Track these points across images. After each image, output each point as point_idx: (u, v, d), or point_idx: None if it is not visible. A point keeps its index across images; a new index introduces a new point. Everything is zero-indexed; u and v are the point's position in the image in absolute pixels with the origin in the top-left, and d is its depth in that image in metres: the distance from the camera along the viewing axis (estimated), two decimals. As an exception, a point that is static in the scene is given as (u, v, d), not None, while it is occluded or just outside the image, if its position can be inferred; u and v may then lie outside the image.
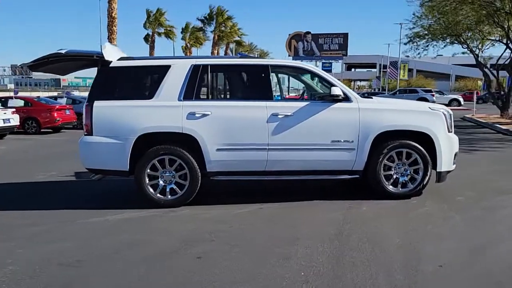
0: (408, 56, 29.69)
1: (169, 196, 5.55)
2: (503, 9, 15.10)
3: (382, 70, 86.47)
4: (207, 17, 32.97)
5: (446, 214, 5.13)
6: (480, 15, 16.81)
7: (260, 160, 5.58)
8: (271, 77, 5.69)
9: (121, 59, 5.72)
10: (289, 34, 74.86)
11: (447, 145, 5.74)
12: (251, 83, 5.72)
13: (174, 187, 5.56)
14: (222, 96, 5.74)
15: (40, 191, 6.74)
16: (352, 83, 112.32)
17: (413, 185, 5.74)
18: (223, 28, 32.80)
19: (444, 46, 22.51)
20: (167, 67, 5.61)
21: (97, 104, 5.45)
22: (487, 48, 22.37)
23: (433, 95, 35.49)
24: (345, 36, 42.09)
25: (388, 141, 5.64)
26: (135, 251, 4.07)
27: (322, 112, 5.58)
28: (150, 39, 33.53)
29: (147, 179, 5.49)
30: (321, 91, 6.40)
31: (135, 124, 5.42)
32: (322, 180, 6.19)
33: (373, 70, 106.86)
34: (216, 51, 35.56)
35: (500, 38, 20.51)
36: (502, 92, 21.86)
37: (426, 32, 20.74)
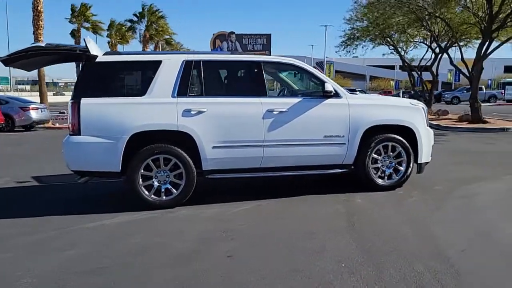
0: (329, 59, 31.17)
1: (164, 197, 5.34)
2: (434, 14, 16.36)
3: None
4: (139, 14, 31.89)
5: (435, 202, 5.45)
6: (410, 19, 18.05)
7: (256, 157, 5.56)
8: (263, 73, 5.69)
9: (106, 53, 5.41)
10: (213, 34, 74.62)
11: (426, 138, 6.13)
12: (245, 79, 5.68)
13: (169, 187, 5.36)
14: (216, 92, 5.61)
15: (12, 198, 6.18)
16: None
17: (398, 177, 6.05)
18: (155, 27, 31.92)
19: (373, 47, 23.88)
20: (158, 63, 5.40)
21: (84, 101, 5.10)
22: (411, 50, 24.12)
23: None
24: (268, 36, 42.86)
25: (375, 135, 5.89)
26: (155, 255, 3.88)
27: (315, 108, 5.70)
28: (76, 34, 31.72)
29: (140, 180, 5.24)
30: (297, 88, 6.51)
31: (127, 123, 5.15)
32: (307, 175, 6.31)
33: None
34: (146, 49, 34.60)
35: (424, 40, 22.18)
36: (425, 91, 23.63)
37: (359, 34, 21.82)
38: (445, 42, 20.27)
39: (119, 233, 4.51)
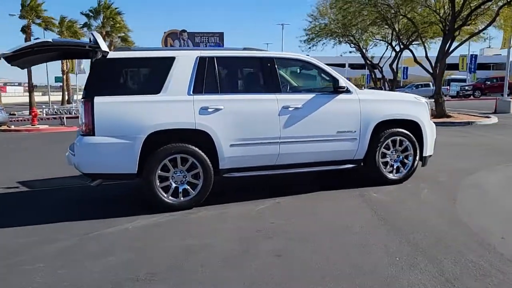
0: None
1: (182, 198, 5.17)
2: (399, 12, 16.93)
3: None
4: (94, 11, 30.67)
5: (449, 194, 5.60)
6: (376, 17, 18.57)
7: (272, 154, 5.50)
8: (277, 69, 5.63)
9: (117, 49, 5.16)
10: (165, 32, 73.36)
11: (430, 132, 6.30)
12: (260, 75, 5.58)
13: (187, 187, 5.19)
14: (232, 89, 5.48)
15: (10, 204, 5.77)
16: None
17: (405, 170, 6.18)
18: (111, 23, 30.85)
19: (334, 44, 24.38)
20: (172, 59, 5.21)
21: (98, 100, 4.83)
22: (371, 48, 24.84)
23: None
24: (220, 35, 42.56)
25: (384, 130, 5.98)
26: (203, 256, 3.74)
27: (328, 104, 5.71)
28: (26, 31, 30.06)
29: (157, 181, 5.04)
30: (296, 84, 6.50)
31: (144, 122, 4.93)
32: (313, 171, 6.29)
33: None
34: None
35: (386, 39, 22.89)
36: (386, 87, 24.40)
37: (322, 32, 22.19)
38: (405, 41, 20.98)
39: (149, 237, 4.31)
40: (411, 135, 6.12)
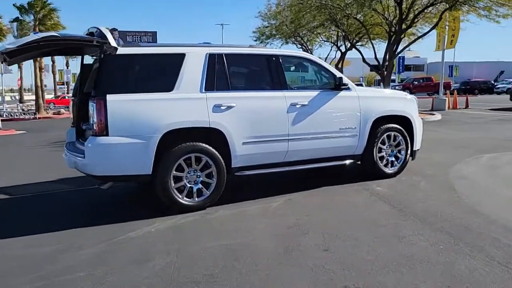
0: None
1: (197, 198, 5.05)
2: (351, 14, 17.58)
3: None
4: (27, 6, 28.53)
5: (445, 185, 5.93)
6: (325, 19, 19.12)
7: (281, 151, 5.53)
8: (282, 66, 5.66)
9: (125, 45, 4.92)
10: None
11: (419, 127, 6.65)
12: (267, 72, 5.56)
13: (201, 187, 5.07)
14: (242, 86, 5.41)
15: (6, 211, 5.30)
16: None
17: (399, 164, 6.47)
18: (46, 20, 28.92)
19: (281, 45, 24.82)
20: (182, 56, 5.07)
21: (111, 98, 4.59)
22: (316, 49, 25.55)
23: None
24: (153, 34, 41.67)
25: (380, 126, 6.22)
26: (249, 256, 3.67)
27: (331, 100, 5.83)
28: None
29: (172, 182, 4.88)
30: (300, 82, 6.56)
31: (159, 120, 4.76)
32: (313, 168, 6.38)
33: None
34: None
35: (330, 39, 23.66)
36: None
37: (274, 32, 22.50)
38: (352, 41, 21.80)
39: (180, 238, 4.15)
40: (404, 130, 6.41)
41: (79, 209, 5.43)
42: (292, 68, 6.45)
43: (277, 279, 3.24)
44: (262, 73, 5.58)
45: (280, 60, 5.64)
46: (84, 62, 6.00)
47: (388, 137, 6.33)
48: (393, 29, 17.01)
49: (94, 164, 4.67)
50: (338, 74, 5.98)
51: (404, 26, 16.27)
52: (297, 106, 5.55)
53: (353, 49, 21.30)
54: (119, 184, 5.84)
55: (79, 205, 5.58)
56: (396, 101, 6.52)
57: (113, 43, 4.67)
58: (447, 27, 19.63)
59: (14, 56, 4.71)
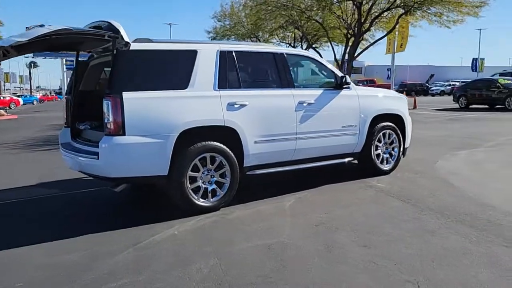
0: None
1: (211, 199, 4.92)
2: (311, 16, 17.91)
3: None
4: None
5: (437, 179, 6.18)
6: (285, 21, 19.36)
7: (290, 149, 5.52)
8: (289, 65, 5.66)
9: (137, 40, 4.70)
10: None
11: (410, 125, 6.90)
12: (276, 70, 5.52)
13: (215, 187, 4.95)
14: (252, 84, 5.31)
15: (13, 216, 4.86)
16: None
17: (393, 161, 6.67)
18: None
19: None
20: (194, 52, 4.93)
21: (127, 96, 4.36)
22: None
23: None
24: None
25: (377, 124, 6.38)
26: (293, 256, 3.64)
27: (334, 99, 5.91)
28: None
29: (188, 183, 4.72)
30: (304, 80, 6.55)
31: (175, 119, 4.59)
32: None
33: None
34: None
35: (284, 40, 23.98)
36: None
37: (228, 32, 22.43)
38: (307, 43, 22.25)
39: (210, 240, 4.02)
40: (397, 128, 6.62)
41: (88, 213, 5.10)
42: (296, 66, 6.45)
43: (333, 276, 3.22)
44: (271, 71, 5.54)
45: (286, 58, 5.64)
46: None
47: (384, 135, 6.50)
48: (351, 31, 17.53)
49: (110, 166, 4.41)
50: (339, 73, 6.07)
51: (362, 29, 16.83)
52: (304, 104, 5.57)
53: (310, 50, 21.72)
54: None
55: (86, 209, 5.25)
56: (391, 99, 6.72)
57: (126, 38, 4.45)
58: (397, 32, 20.54)
59: (21, 50, 4.36)
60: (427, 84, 54.13)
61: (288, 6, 16.95)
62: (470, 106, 22.38)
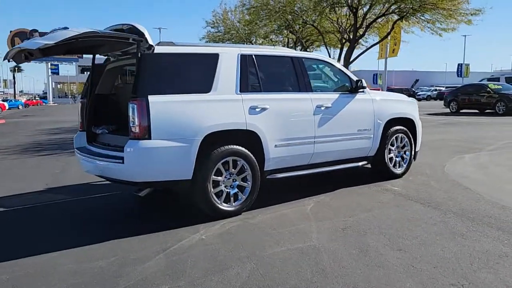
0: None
1: (234, 203, 4.87)
2: (308, 21, 18.01)
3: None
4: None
5: (450, 183, 6.21)
6: (280, 25, 19.43)
7: (308, 153, 5.51)
8: (306, 68, 5.66)
9: (160, 44, 4.65)
10: (11, 31, 65.86)
11: (420, 129, 6.95)
12: (294, 74, 5.50)
13: (237, 191, 4.91)
14: (272, 88, 5.27)
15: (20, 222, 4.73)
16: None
17: (405, 165, 6.70)
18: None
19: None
20: (216, 56, 4.89)
21: (153, 99, 4.30)
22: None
23: None
24: None
25: (390, 127, 6.40)
26: (330, 261, 3.61)
27: (350, 103, 5.92)
28: None
29: (211, 187, 4.67)
30: (321, 84, 6.54)
31: (200, 123, 4.54)
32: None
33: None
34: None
35: (281, 44, 24.04)
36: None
37: (222, 38, 22.43)
38: (302, 47, 22.33)
39: (239, 244, 3.97)
40: (408, 132, 6.66)
41: (107, 218, 5.00)
42: (313, 70, 6.44)
43: (377, 280, 3.20)
44: (289, 74, 5.53)
45: (304, 62, 5.64)
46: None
47: (396, 138, 6.53)
48: (346, 36, 17.67)
49: (135, 170, 4.34)
50: (355, 77, 6.09)
51: (358, 34, 16.97)
52: (322, 108, 5.57)
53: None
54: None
55: (105, 214, 5.14)
56: (403, 103, 6.76)
57: (150, 41, 4.39)
58: (389, 37, 20.78)
59: (47, 53, 4.27)
60: (413, 89, 54.86)
61: (285, 10, 17.00)
62: (461, 111, 22.72)
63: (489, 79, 29.72)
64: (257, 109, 4.96)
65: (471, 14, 15.53)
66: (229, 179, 4.85)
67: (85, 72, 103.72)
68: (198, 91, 4.68)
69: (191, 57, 4.77)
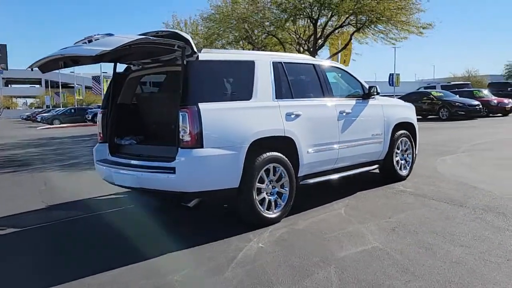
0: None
1: (275, 210, 4.84)
2: (270, 32, 18.27)
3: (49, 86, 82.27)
4: None
5: (455, 182, 6.56)
6: (239, 36, 19.54)
7: (333, 158, 5.61)
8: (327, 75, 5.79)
9: (203, 51, 4.56)
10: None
11: (418, 132, 7.30)
12: (318, 80, 5.59)
13: (277, 198, 4.89)
14: (301, 94, 5.30)
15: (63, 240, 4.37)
16: (15, 99, 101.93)
17: (409, 167, 7.00)
18: None
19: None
20: (253, 63, 4.88)
21: (204, 107, 4.20)
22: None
23: None
24: (2, 47, 36.99)
25: (395, 132, 6.67)
26: (406, 258, 3.70)
27: (365, 108, 6.12)
28: None
29: (256, 194, 4.62)
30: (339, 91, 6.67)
31: (246, 130, 4.51)
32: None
33: (37, 86, 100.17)
34: None
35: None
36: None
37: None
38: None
39: (306, 251, 3.95)
40: (411, 136, 6.98)
41: (143, 232, 4.74)
42: (330, 77, 6.58)
43: (466, 275, 3.32)
44: (314, 81, 5.62)
45: (324, 69, 5.76)
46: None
47: (401, 142, 6.81)
48: (305, 46, 18.13)
49: (188, 180, 4.19)
50: (366, 84, 6.30)
51: (317, 45, 17.50)
52: (344, 113, 5.71)
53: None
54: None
55: (136, 228, 4.87)
56: (405, 108, 7.08)
57: (194, 48, 4.30)
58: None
59: (97, 60, 4.04)
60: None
61: (247, 20, 17.16)
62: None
63: (426, 88, 31.72)
64: (292, 116, 4.99)
65: (423, 28, 16.58)
66: (269, 186, 4.82)
67: (9, 85, 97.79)
68: (240, 98, 4.64)
69: (233, 64, 4.73)
